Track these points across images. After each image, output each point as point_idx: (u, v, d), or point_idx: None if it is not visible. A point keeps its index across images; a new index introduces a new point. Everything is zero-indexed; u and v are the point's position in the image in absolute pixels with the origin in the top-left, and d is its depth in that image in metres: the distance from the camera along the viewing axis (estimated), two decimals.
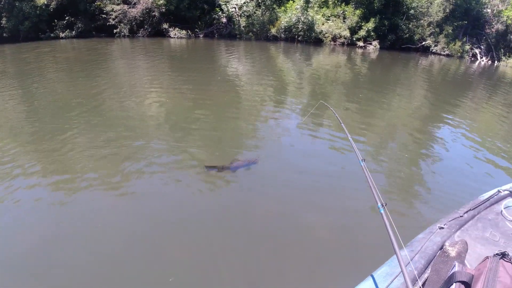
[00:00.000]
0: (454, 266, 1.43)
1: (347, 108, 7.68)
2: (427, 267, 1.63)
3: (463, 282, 1.33)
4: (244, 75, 10.58)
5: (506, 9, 18.68)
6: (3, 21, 16.34)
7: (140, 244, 3.04)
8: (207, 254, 2.94)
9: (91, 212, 3.46)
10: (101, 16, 17.03)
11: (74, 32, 17.11)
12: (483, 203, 2.22)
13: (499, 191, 2.37)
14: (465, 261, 1.67)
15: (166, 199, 3.75)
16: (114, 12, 16.87)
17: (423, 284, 1.51)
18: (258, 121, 6.38)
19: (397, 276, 1.51)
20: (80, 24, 17.16)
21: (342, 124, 3.32)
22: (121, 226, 3.28)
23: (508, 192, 2.39)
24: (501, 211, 2.17)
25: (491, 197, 2.30)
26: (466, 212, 2.09)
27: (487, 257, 1.44)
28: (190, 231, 3.25)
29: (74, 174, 4.15)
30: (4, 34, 16.46)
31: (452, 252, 1.65)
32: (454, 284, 1.34)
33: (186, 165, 4.46)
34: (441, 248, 1.74)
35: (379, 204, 1.79)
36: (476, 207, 2.17)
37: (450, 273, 1.41)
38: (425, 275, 1.58)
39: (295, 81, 10.30)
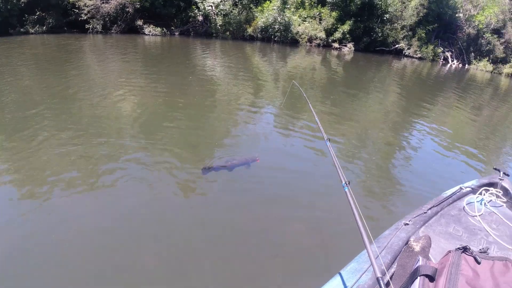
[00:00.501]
0: (418, 260, 1.47)
1: (324, 104, 7.84)
2: (394, 262, 1.68)
3: (427, 276, 1.36)
4: (220, 73, 10.51)
5: (478, 14, 19.13)
6: None
7: (113, 250, 2.87)
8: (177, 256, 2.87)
9: (60, 215, 3.24)
10: (73, 11, 16.73)
11: (44, 27, 16.75)
12: (446, 199, 2.31)
13: (461, 188, 2.48)
14: (430, 256, 1.73)
15: (143, 202, 3.53)
16: (87, 7, 16.60)
17: (390, 278, 1.55)
18: (233, 118, 6.33)
19: (365, 272, 1.55)
20: (51, 19, 16.80)
21: (309, 104, 3.41)
22: (93, 231, 3.07)
23: (470, 189, 2.50)
24: (463, 207, 2.28)
25: (453, 194, 2.40)
26: (430, 208, 2.17)
27: (450, 251, 1.48)
28: (166, 236, 3.10)
29: (42, 174, 3.89)
30: None
31: (416, 247, 1.70)
32: (418, 277, 1.37)
33: (164, 165, 4.26)
34: (406, 243, 1.80)
35: (343, 182, 1.83)
36: (439, 204, 2.25)
37: (415, 267, 1.45)
38: (392, 270, 1.64)
39: (271, 80, 10.30)
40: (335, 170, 2.04)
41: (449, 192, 2.44)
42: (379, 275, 1.28)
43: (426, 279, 1.36)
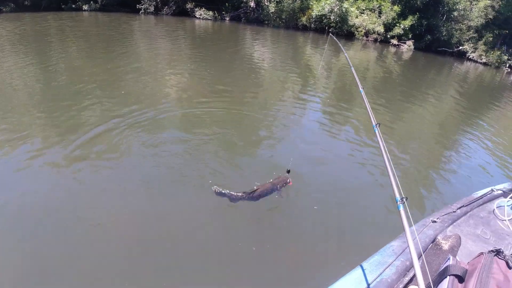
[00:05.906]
0: (448, 259, 1.43)
1: (377, 105, 7.36)
2: (419, 258, 1.64)
3: (456, 276, 1.34)
4: (267, 63, 9.95)
5: None
6: None
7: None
8: None
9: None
10: None
11: (98, 4, 16.39)
12: (476, 200, 2.27)
13: (492, 190, 2.42)
14: (456, 256, 1.68)
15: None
16: None
17: (414, 275, 1.52)
18: (272, 113, 5.93)
19: (389, 265, 1.52)
20: None
21: (345, 54, 3.50)
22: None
23: (501, 191, 2.42)
24: (493, 210, 2.21)
25: (484, 195, 2.35)
26: (459, 208, 2.12)
27: (482, 253, 1.43)
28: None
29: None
30: (26, 2, 15.81)
31: (445, 245, 1.67)
32: (448, 277, 1.34)
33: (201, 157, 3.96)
34: (433, 241, 1.77)
35: (398, 197, 1.51)
36: (469, 204, 2.20)
37: (444, 266, 1.41)
38: None
39: (320, 73, 9.67)
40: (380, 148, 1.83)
41: (480, 193, 2.38)
42: (416, 263, 1.23)
43: (456, 279, 1.32)
